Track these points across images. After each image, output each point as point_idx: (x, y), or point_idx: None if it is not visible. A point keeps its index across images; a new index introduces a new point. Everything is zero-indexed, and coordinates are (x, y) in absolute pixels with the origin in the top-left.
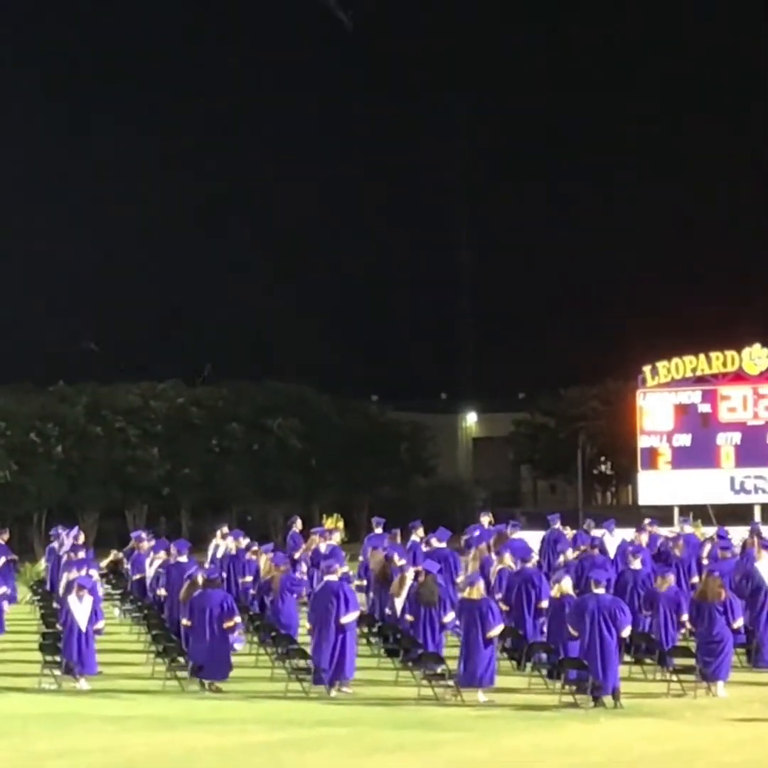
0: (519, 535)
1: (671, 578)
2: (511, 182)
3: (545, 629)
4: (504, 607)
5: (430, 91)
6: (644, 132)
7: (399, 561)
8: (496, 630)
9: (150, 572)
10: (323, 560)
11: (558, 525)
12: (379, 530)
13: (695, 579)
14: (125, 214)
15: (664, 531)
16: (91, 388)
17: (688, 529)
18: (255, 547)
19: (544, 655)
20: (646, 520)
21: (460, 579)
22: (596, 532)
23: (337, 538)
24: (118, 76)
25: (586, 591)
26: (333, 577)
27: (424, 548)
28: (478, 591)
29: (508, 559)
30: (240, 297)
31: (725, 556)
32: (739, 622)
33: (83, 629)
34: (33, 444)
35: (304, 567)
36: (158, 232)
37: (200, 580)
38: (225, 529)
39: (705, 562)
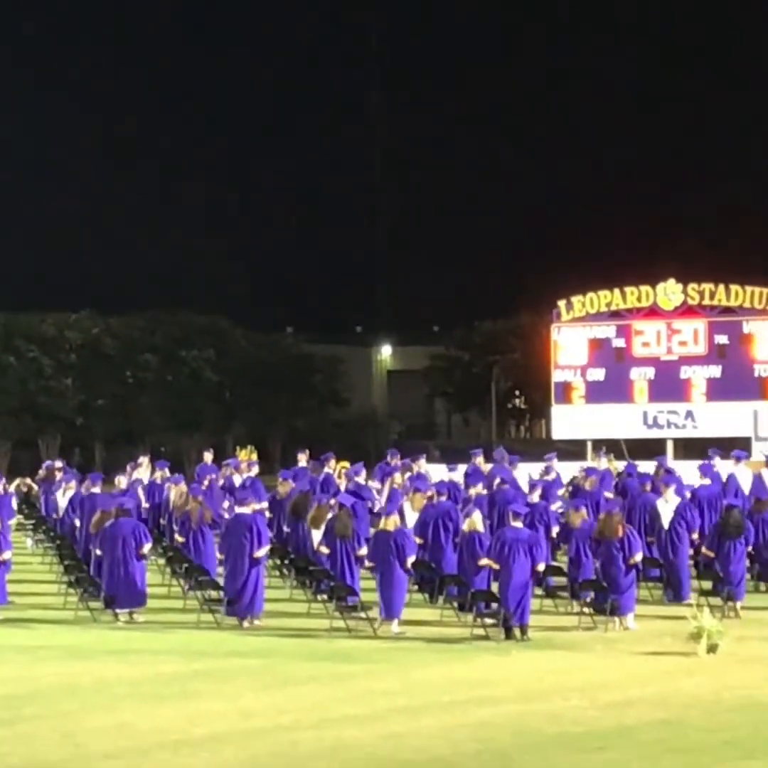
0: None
1: (583, 512)
2: (426, 106)
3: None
4: (419, 541)
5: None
6: (559, 62)
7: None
8: (410, 559)
9: (62, 502)
10: (240, 492)
11: (480, 459)
12: (302, 462)
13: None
14: (34, 142)
15: (576, 465)
16: (3, 317)
17: (605, 463)
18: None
19: (455, 589)
20: (547, 456)
21: (376, 508)
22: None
23: (255, 470)
24: None
25: (500, 525)
26: (246, 510)
27: (340, 481)
28: (393, 522)
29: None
30: (155, 227)
31: (644, 489)
32: (636, 557)
33: None
34: None
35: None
36: (67, 160)
37: (113, 509)
38: (142, 460)
39: (609, 495)
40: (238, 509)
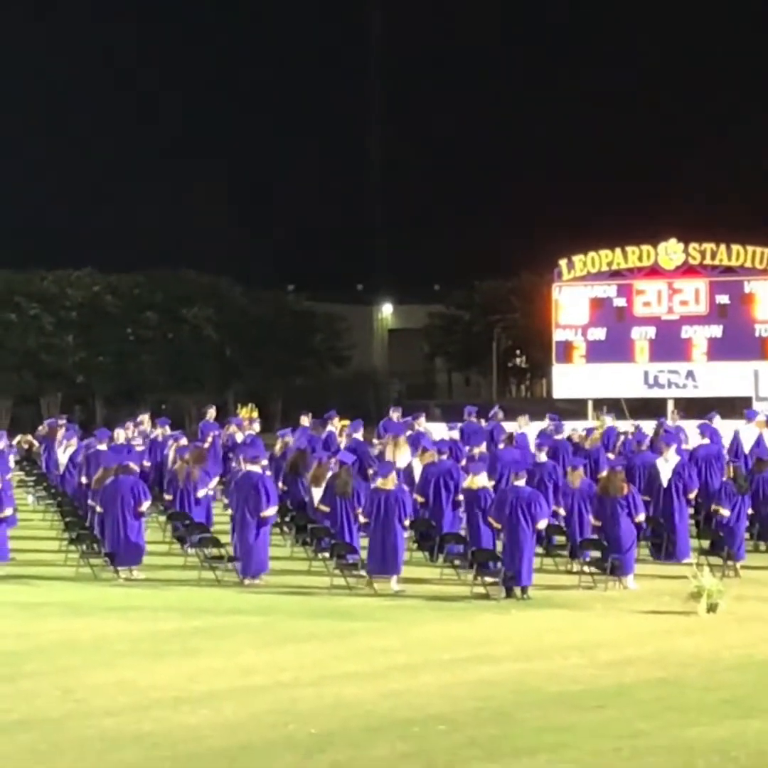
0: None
1: (581, 471)
2: (426, 68)
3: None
4: (420, 499)
5: None
6: (564, 25)
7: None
8: (408, 518)
9: (63, 459)
10: (242, 449)
11: (473, 418)
12: (305, 424)
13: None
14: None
15: (579, 425)
16: (4, 274)
17: (609, 422)
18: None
19: (455, 547)
20: (551, 416)
21: (371, 470)
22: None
23: (257, 428)
24: None
25: (501, 483)
26: (256, 468)
27: (341, 439)
28: (391, 481)
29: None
30: (156, 185)
31: (640, 449)
32: (640, 517)
33: None
34: None
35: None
36: (72, 119)
37: (114, 466)
38: (143, 417)
39: (610, 456)
40: (249, 467)
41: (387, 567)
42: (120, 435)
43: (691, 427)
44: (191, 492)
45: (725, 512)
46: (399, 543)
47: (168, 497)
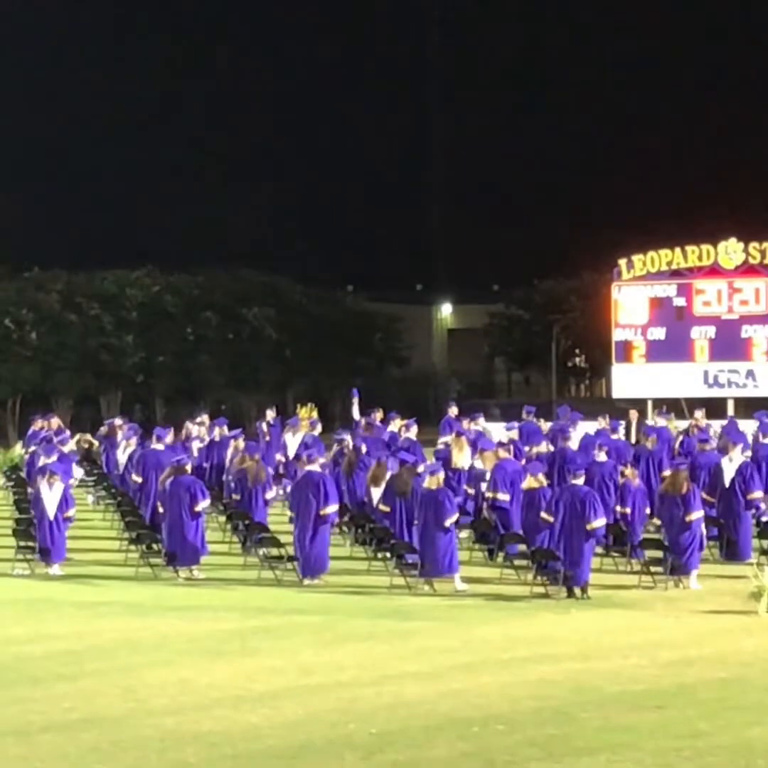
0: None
1: (635, 471)
2: (486, 65)
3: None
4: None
5: None
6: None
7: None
8: (451, 519)
9: (122, 459)
10: (307, 449)
11: (532, 417)
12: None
13: (666, 472)
14: (98, 97)
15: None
16: (66, 275)
17: (662, 422)
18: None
19: (517, 547)
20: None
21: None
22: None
23: (318, 429)
24: None
25: (561, 482)
26: (315, 467)
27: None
28: (437, 481)
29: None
30: (216, 185)
31: (703, 449)
32: (693, 515)
33: (51, 516)
34: (7, 330)
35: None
36: (125, 121)
37: (171, 467)
38: (203, 418)
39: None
40: (307, 467)
41: (435, 568)
42: (192, 429)
43: (752, 427)
44: (259, 492)
45: None
46: (441, 543)
47: (236, 497)
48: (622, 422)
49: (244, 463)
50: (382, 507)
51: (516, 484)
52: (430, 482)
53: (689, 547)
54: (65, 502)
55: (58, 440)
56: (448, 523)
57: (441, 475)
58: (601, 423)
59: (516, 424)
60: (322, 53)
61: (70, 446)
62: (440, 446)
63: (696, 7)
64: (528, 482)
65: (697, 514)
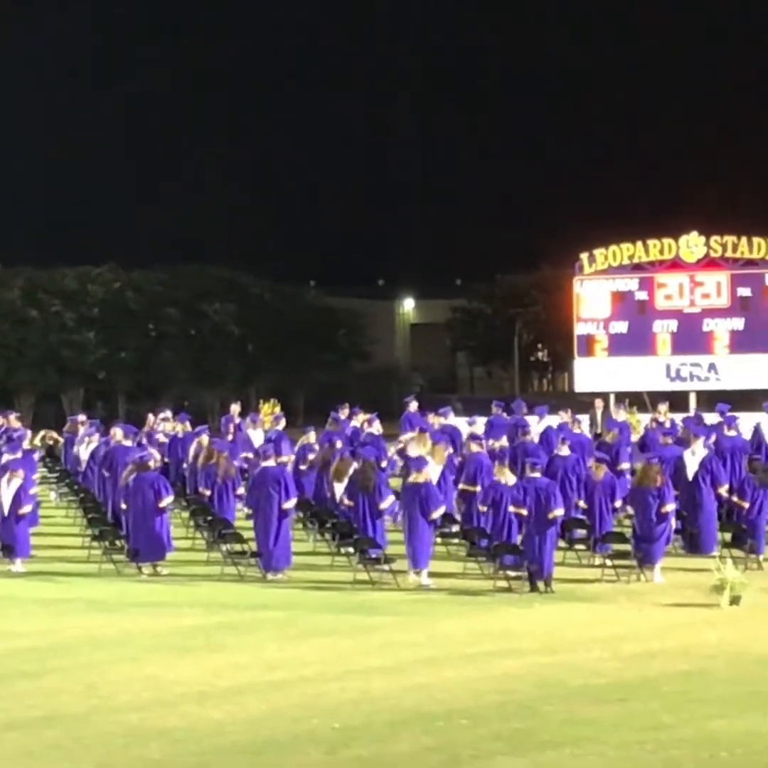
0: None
1: (605, 466)
2: (448, 63)
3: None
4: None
5: None
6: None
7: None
8: (437, 512)
9: (84, 455)
10: (262, 445)
11: (499, 411)
12: (343, 416)
13: (624, 465)
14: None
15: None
16: (27, 271)
17: (622, 416)
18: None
19: (481, 541)
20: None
21: (383, 463)
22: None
23: (282, 424)
24: None
25: (521, 477)
26: (272, 463)
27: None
28: (424, 476)
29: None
30: (177, 181)
31: (666, 442)
32: (667, 507)
33: (6, 513)
34: None
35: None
36: (89, 117)
37: (134, 463)
38: (167, 413)
39: (628, 449)
40: (264, 463)
41: (413, 560)
42: (155, 425)
43: (714, 421)
44: (229, 488)
45: (744, 504)
46: (426, 536)
47: (205, 492)
48: (586, 416)
49: (212, 459)
50: (346, 502)
51: (488, 478)
52: (417, 477)
53: (658, 537)
54: (21, 498)
55: (14, 436)
56: (434, 515)
57: (427, 469)
58: (563, 417)
59: (477, 418)
60: (286, 50)
61: (27, 443)
62: (400, 445)
63: None
64: (498, 472)
65: (671, 506)
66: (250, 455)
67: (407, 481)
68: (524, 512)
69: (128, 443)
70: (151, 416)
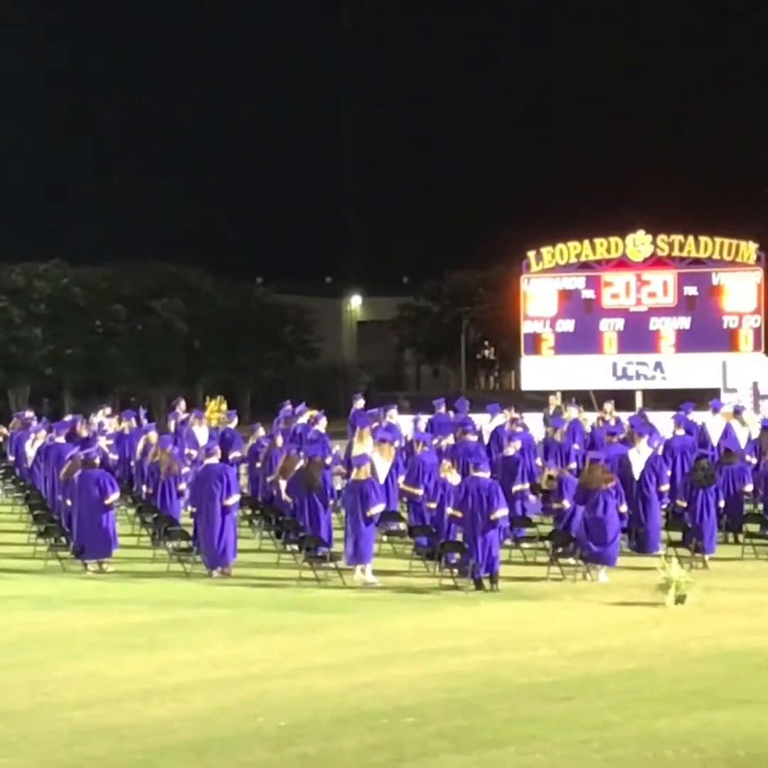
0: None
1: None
2: (401, 59)
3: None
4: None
5: None
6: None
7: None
8: (376, 508)
9: (30, 452)
10: (206, 442)
11: (442, 409)
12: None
13: (572, 465)
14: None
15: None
16: None
17: (574, 413)
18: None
19: (425, 539)
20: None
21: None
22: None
23: (234, 421)
24: None
25: (464, 476)
26: (214, 460)
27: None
28: (364, 472)
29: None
30: (121, 176)
31: (611, 441)
32: (622, 508)
33: None
34: None
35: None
36: (35, 112)
37: (79, 459)
38: (107, 410)
39: (576, 447)
40: (207, 460)
41: (355, 556)
42: (83, 429)
43: (662, 419)
44: (172, 484)
45: (681, 504)
46: (365, 532)
47: (148, 490)
48: (539, 415)
49: (156, 456)
50: (286, 497)
51: (433, 477)
52: (358, 473)
53: (611, 540)
54: None
55: None
56: (371, 512)
57: (368, 467)
58: (507, 415)
59: (421, 416)
60: (228, 45)
61: None
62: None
63: None
64: (444, 470)
65: (623, 508)
66: (194, 452)
67: (351, 478)
68: (459, 515)
69: (62, 440)
70: (93, 417)
